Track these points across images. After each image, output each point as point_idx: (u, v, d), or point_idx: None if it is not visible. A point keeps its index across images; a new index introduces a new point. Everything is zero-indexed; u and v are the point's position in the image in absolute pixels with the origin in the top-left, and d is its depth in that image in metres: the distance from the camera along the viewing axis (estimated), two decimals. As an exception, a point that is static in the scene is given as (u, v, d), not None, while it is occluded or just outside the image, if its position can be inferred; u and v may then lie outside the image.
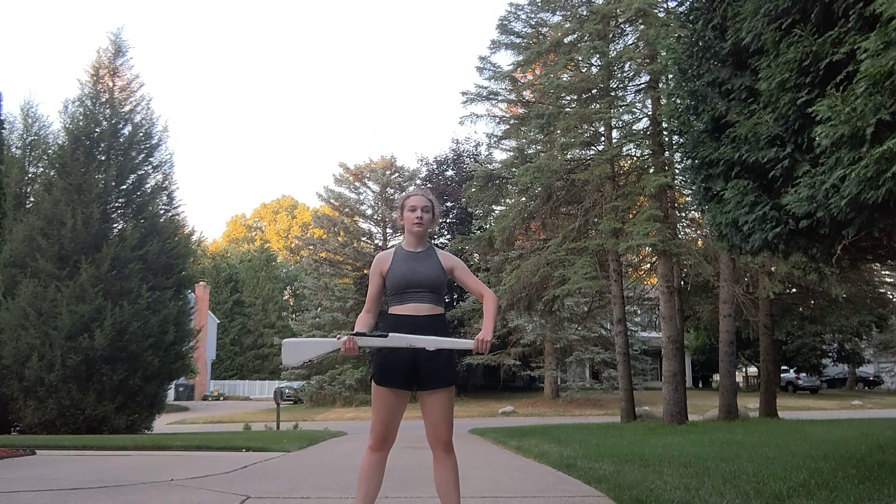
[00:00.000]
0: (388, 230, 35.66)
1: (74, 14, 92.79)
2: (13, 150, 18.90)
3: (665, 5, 14.60)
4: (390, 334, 2.87)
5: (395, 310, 3.03)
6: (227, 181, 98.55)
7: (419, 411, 3.02)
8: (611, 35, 15.39)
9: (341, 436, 12.79)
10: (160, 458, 7.54)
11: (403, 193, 3.34)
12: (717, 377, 30.17)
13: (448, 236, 31.02)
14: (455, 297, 29.41)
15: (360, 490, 2.93)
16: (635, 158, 15.86)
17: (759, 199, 4.61)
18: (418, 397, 3.00)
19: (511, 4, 16.64)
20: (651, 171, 14.38)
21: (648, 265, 17.60)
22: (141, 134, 16.69)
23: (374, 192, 35.82)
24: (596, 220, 15.01)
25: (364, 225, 36.43)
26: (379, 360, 2.97)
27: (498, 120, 18.25)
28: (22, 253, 14.84)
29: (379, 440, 2.97)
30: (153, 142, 16.85)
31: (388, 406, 2.95)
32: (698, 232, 16.82)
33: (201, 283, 39.67)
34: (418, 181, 34.33)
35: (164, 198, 17.02)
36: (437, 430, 2.97)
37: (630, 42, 15.36)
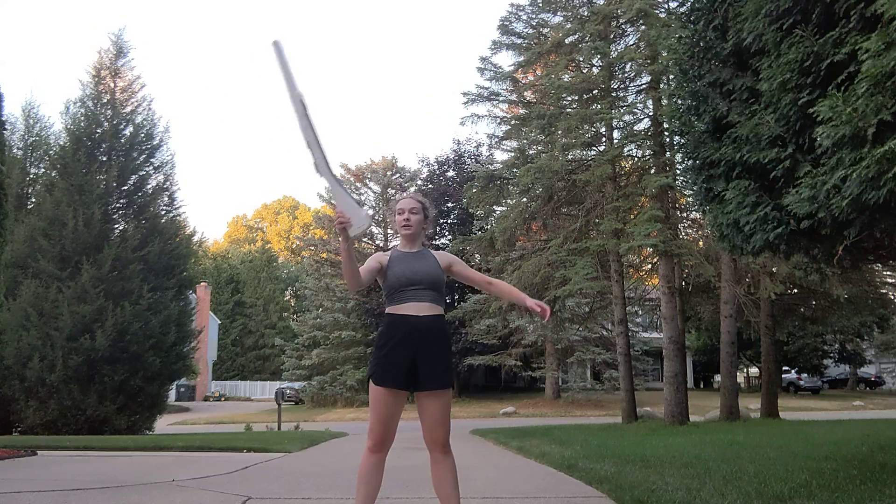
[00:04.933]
0: (388, 231, 35.66)
1: (76, 15, 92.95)
2: (15, 150, 18.92)
3: (666, 6, 14.61)
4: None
5: (394, 309, 2.99)
6: (229, 182, 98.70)
7: (416, 412, 3.02)
8: (612, 35, 15.40)
9: (342, 436, 12.78)
10: (161, 459, 7.54)
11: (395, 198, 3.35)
12: (718, 378, 30.13)
13: (449, 237, 31.00)
14: (456, 297, 29.40)
15: (360, 492, 2.91)
16: (636, 159, 15.87)
17: (761, 200, 4.61)
18: (416, 399, 2.98)
19: (512, 5, 16.66)
20: (652, 171, 14.38)
21: (650, 266, 17.60)
22: (142, 135, 16.70)
23: (375, 192, 35.84)
24: (597, 220, 15.01)
25: (365, 226, 36.41)
26: (378, 359, 2.94)
27: (499, 120, 18.25)
28: (23, 254, 14.85)
29: (378, 441, 2.95)
30: (154, 142, 16.85)
31: (387, 406, 2.93)
32: (699, 232, 16.83)
33: (202, 283, 39.69)
34: (419, 182, 34.33)
35: (166, 198, 17.03)
36: (434, 431, 2.95)
37: (631, 42, 15.37)
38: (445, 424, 2.97)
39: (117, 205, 16.35)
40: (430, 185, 32.92)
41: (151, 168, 16.78)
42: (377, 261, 3.06)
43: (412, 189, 34.19)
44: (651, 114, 14.63)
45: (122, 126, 16.56)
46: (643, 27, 14.54)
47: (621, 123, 15.25)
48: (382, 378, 2.92)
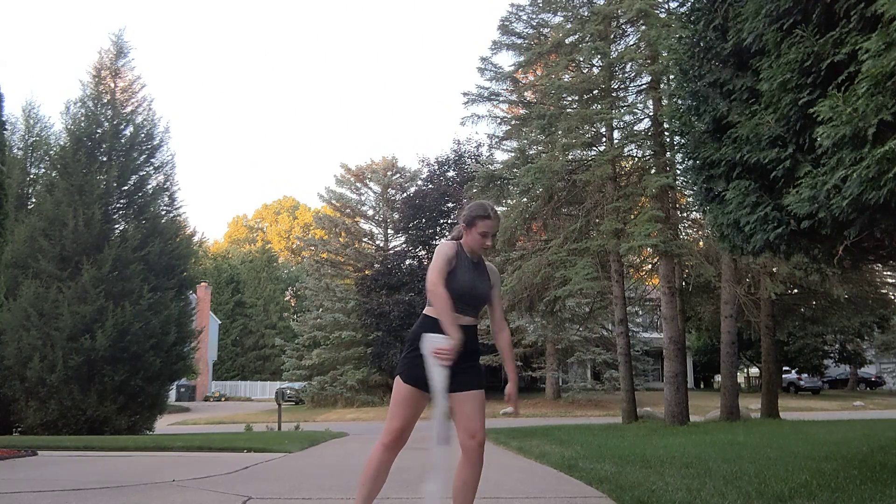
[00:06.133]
0: (388, 231, 35.65)
1: (76, 15, 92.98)
2: (15, 151, 18.92)
3: (666, 6, 14.60)
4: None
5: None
6: (229, 182, 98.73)
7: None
8: (612, 36, 15.39)
9: (342, 437, 12.79)
10: (162, 459, 7.54)
11: (475, 206, 3.14)
12: (718, 378, 30.11)
13: (449, 237, 31.03)
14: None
15: (365, 487, 2.87)
16: (637, 159, 15.85)
17: (761, 200, 4.61)
18: (451, 400, 2.89)
19: (512, 5, 16.65)
20: (652, 171, 14.37)
21: (650, 266, 17.58)
22: (142, 135, 16.71)
23: (375, 192, 35.84)
24: (597, 220, 15.00)
25: (365, 226, 36.46)
26: (411, 359, 2.88)
27: (499, 120, 18.24)
28: (24, 254, 14.85)
29: (396, 438, 2.91)
30: (155, 143, 16.87)
31: (411, 406, 2.89)
32: (700, 233, 16.81)
33: (203, 283, 39.72)
34: (419, 182, 34.30)
35: (166, 199, 17.04)
36: (472, 428, 2.88)
37: (631, 43, 15.35)
38: (483, 421, 2.94)
39: (117, 205, 16.36)
40: (430, 185, 32.89)
41: (151, 168, 16.80)
42: (449, 262, 2.97)
43: (412, 190, 34.14)
44: (651, 114, 14.62)
45: (122, 126, 16.57)
46: (643, 27, 14.53)
47: (621, 123, 15.23)
48: (411, 377, 2.87)
